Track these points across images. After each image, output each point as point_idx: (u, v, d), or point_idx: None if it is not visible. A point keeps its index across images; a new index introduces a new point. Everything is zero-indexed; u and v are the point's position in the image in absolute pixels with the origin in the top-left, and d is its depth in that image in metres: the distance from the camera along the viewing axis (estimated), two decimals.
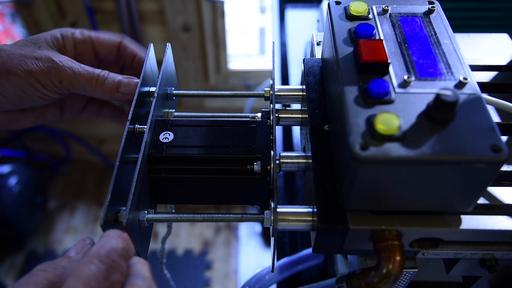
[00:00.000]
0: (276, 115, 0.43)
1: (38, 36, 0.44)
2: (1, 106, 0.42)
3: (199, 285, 1.71)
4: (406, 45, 0.36)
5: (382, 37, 0.36)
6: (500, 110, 0.39)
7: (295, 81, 0.87)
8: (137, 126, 0.39)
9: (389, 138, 0.28)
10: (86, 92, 0.43)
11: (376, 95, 0.31)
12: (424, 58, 0.34)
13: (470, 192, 0.30)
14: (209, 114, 0.44)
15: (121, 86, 0.43)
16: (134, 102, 0.39)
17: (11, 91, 0.41)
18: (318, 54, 0.47)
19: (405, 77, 0.33)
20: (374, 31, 0.36)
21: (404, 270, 0.35)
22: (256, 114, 0.43)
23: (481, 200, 0.34)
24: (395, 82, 0.33)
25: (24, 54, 0.41)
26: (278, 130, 0.82)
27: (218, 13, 1.60)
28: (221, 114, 0.44)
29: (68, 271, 0.28)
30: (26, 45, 0.42)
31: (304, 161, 0.39)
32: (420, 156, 0.28)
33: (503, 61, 0.44)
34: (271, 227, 0.35)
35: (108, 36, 0.47)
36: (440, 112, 0.29)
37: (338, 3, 0.40)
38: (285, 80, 0.89)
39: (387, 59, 0.33)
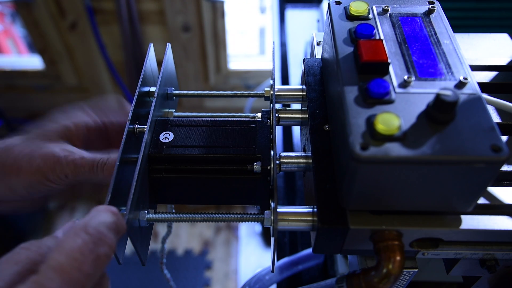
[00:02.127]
0: (276, 115, 0.43)
1: (49, 127, 0.42)
2: (9, 198, 0.41)
3: (199, 285, 1.71)
4: (406, 45, 0.36)
5: (382, 37, 0.36)
6: (500, 110, 0.39)
7: (295, 81, 0.87)
8: (137, 126, 0.39)
9: (389, 138, 0.28)
10: (90, 180, 0.41)
11: (376, 95, 0.31)
12: (424, 58, 0.34)
13: (470, 192, 0.30)
14: (209, 114, 0.44)
15: None
16: (134, 102, 0.39)
17: (20, 187, 0.40)
18: (318, 54, 0.47)
19: (405, 77, 0.33)
20: (374, 31, 0.36)
21: (404, 270, 0.35)
22: (256, 114, 0.43)
23: (481, 200, 0.34)
24: (395, 82, 0.33)
25: (33, 151, 0.40)
26: (278, 130, 0.82)
27: (218, 13, 1.60)
28: (221, 114, 0.44)
29: (52, 249, 0.27)
30: (36, 139, 0.41)
31: (304, 161, 0.39)
32: (420, 156, 0.28)
33: (503, 61, 0.44)
34: (271, 227, 0.35)
35: (121, 119, 0.45)
36: (440, 112, 0.29)
37: (338, 3, 0.40)
38: (285, 80, 0.89)
39: (387, 59, 0.33)
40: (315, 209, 0.34)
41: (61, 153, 0.40)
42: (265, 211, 0.36)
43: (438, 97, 0.29)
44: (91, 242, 0.26)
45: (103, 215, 0.28)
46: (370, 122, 0.29)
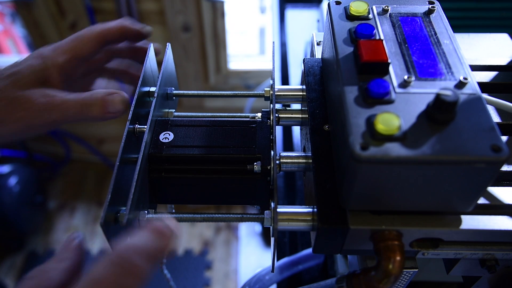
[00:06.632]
0: (276, 115, 0.43)
1: (24, 73, 0.42)
2: None
3: (199, 285, 1.71)
4: (406, 45, 0.36)
5: (382, 37, 0.36)
6: (500, 110, 0.39)
7: (295, 81, 0.87)
8: (137, 126, 0.39)
9: (389, 138, 0.28)
10: (81, 121, 0.42)
11: (376, 95, 0.31)
12: (424, 58, 0.34)
13: (470, 192, 0.30)
14: (209, 114, 0.44)
15: (108, 107, 0.41)
16: (134, 102, 0.39)
17: (6, 135, 0.41)
18: (318, 54, 0.47)
19: (405, 77, 0.33)
20: (374, 31, 0.36)
21: (404, 270, 0.35)
22: (256, 114, 0.43)
23: (481, 200, 0.34)
24: (395, 82, 0.33)
25: (12, 102, 0.40)
26: (278, 130, 0.82)
27: (218, 13, 1.60)
28: (221, 114, 0.44)
29: (54, 272, 0.27)
30: (13, 88, 0.41)
31: (304, 161, 0.39)
32: (420, 156, 0.27)
33: (503, 61, 0.44)
34: (271, 227, 0.35)
35: (91, 35, 0.45)
36: (440, 112, 0.29)
37: (338, 3, 0.40)
38: (285, 80, 0.89)
39: (387, 59, 0.33)
40: (315, 209, 0.34)
41: (42, 100, 0.40)
42: (265, 211, 0.36)
43: (438, 97, 0.29)
44: (118, 274, 0.25)
45: (143, 239, 0.27)
46: (370, 122, 0.29)
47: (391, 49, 0.35)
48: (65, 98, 0.41)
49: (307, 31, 0.98)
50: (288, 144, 0.79)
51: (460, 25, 0.72)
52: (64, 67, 0.43)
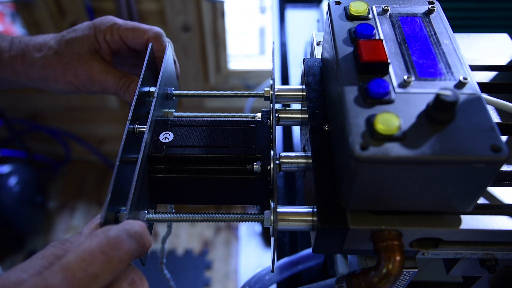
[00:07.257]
0: (276, 115, 0.43)
1: (79, 45, 0.48)
2: (54, 92, 0.51)
3: (199, 285, 1.71)
4: (406, 45, 0.36)
5: (382, 37, 0.36)
6: (500, 110, 0.39)
7: (295, 81, 0.87)
8: (137, 126, 0.39)
9: (389, 138, 0.28)
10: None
11: (376, 95, 0.31)
12: (424, 58, 0.34)
13: (470, 192, 0.30)
14: (209, 114, 0.44)
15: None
16: (134, 102, 0.39)
17: (59, 90, 0.50)
18: (318, 54, 0.47)
19: (405, 77, 0.33)
20: (374, 31, 0.36)
21: (404, 270, 0.35)
22: (256, 114, 0.43)
23: (481, 200, 0.34)
24: (395, 82, 0.33)
25: (66, 68, 0.48)
26: (278, 130, 0.82)
27: (218, 13, 1.60)
28: (221, 114, 0.44)
29: (75, 245, 0.28)
30: (67, 56, 0.48)
31: (304, 161, 0.39)
32: (420, 156, 0.28)
33: (503, 61, 0.44)
34: (271, 227, 0.35)
35: (136, 33, 0.49)
36: (440, 112, 0.29)
37: (338, 3, 0.40)
38: (285, 80, 0.89)
39: (387, 59, 0.33)
40: (315, 209, 0.34)
41: (88, 73, 0.48)
42: (265, 211, 0.36)
43: (438, 97, 0.29)
44: (106, 245, 0.26)
45: (130, 224, 0.29)
46: (370, 122, 0.29)
47: (391, 49, 0.35)
48: (106, 78, 0.48)
49: (307, 31, 0.98)
50: (288, 144, 0.80)
51: (460, 25, 0.72)
52: (111, 45, 0.49)
